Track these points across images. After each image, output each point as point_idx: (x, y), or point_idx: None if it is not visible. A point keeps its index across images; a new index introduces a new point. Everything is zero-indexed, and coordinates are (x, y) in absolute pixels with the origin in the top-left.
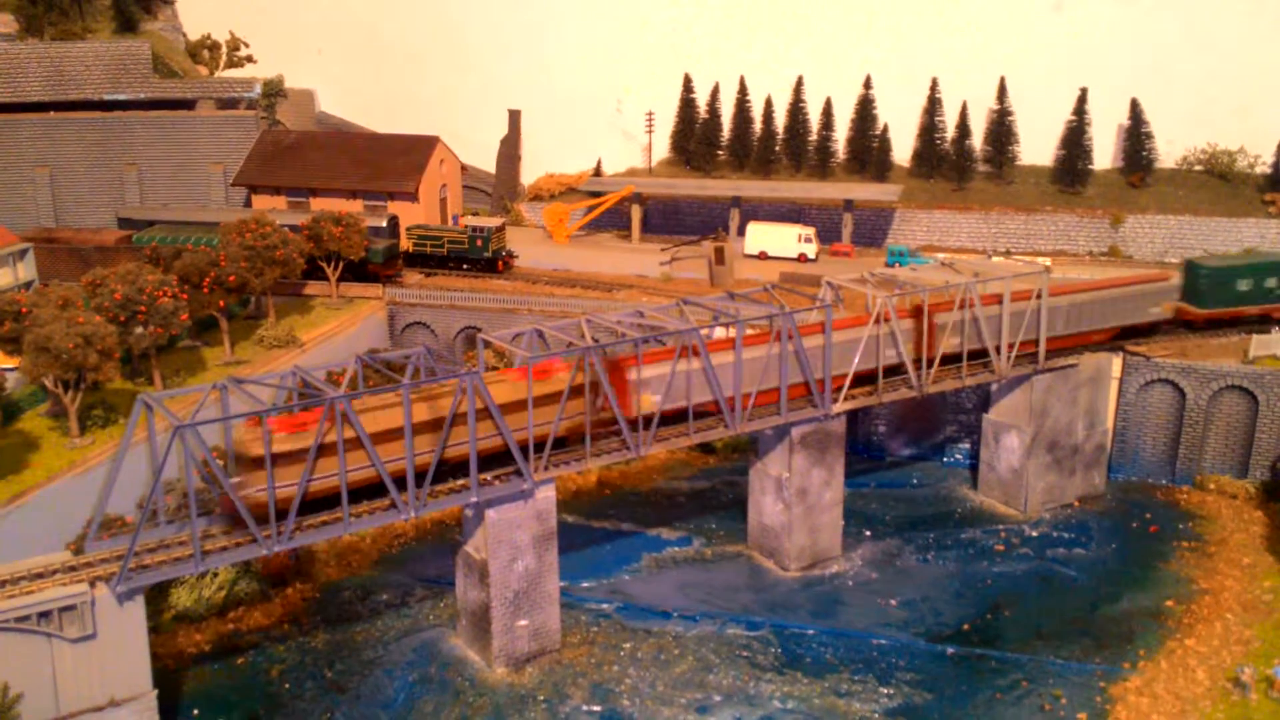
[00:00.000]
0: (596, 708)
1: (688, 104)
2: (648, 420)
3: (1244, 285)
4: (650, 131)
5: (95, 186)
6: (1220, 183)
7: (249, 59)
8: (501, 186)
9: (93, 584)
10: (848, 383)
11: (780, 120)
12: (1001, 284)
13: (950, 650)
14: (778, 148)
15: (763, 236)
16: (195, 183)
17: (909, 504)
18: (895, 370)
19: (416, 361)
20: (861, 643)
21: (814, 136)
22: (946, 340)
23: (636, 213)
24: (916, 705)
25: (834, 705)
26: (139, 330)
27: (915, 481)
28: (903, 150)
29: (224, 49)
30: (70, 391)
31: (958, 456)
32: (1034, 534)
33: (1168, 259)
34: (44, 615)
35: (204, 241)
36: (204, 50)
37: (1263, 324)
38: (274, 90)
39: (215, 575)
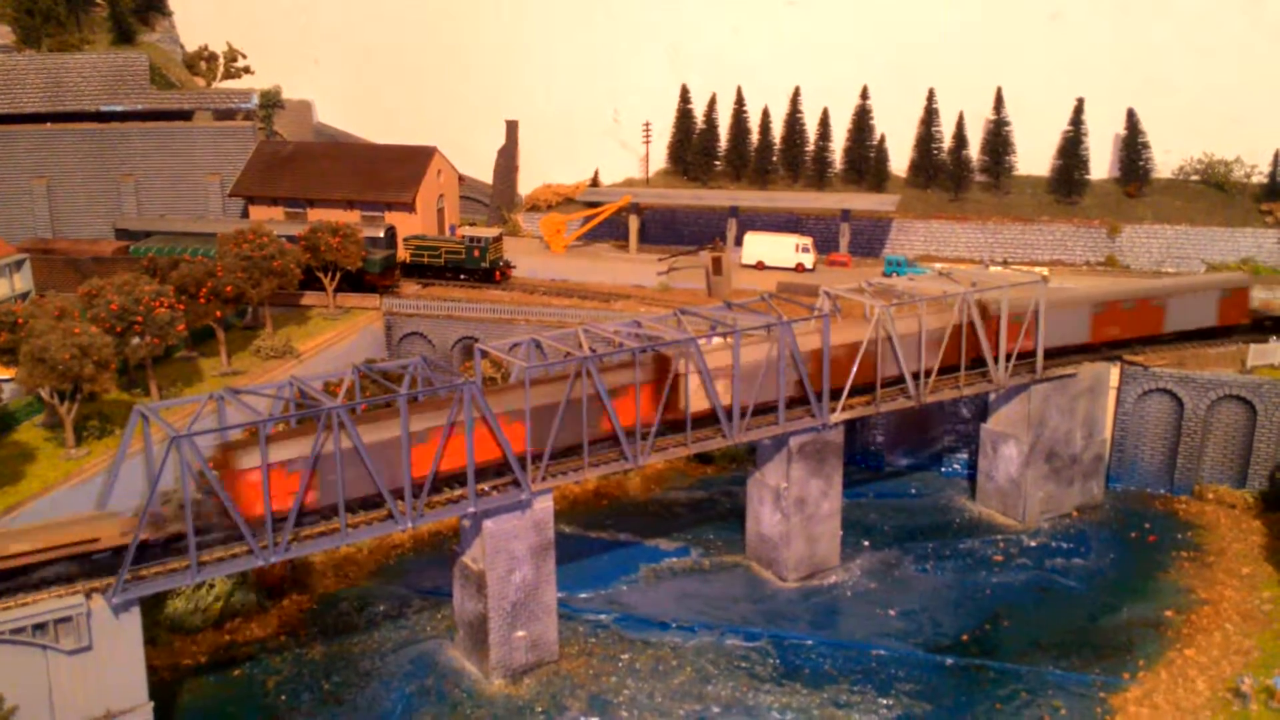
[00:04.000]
0: (595, 719)
1: (685, 114)
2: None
3: None
4: (647, 142)
5: (92, 197)
6: (1217, 192)
7: (246, 70)
8: (499, 197)
9: (88, 595)
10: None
11: (777, 130)
12: (999, 293)
13: (949, 661)
14: (775, 158)
15: (760, 246)
16: (192, 193)
17: (907, 514)
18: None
19: (413, 372)
20: (860, 653)
21: (811, 147)
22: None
23: (634, 223)
24: (915, 716)
25: (833, 716)
26: (135, 341)
27: (913, 491)
28: (900, 160)
29: (221, 60)
30: (66, 402)
31: (956, 466)
32: (1032, 544)
33: (1165, 269)
34: (39, 627)
35: (201, 252)
36: (201, 61)
37: None
38: (271, 101)
39: (212, 586)
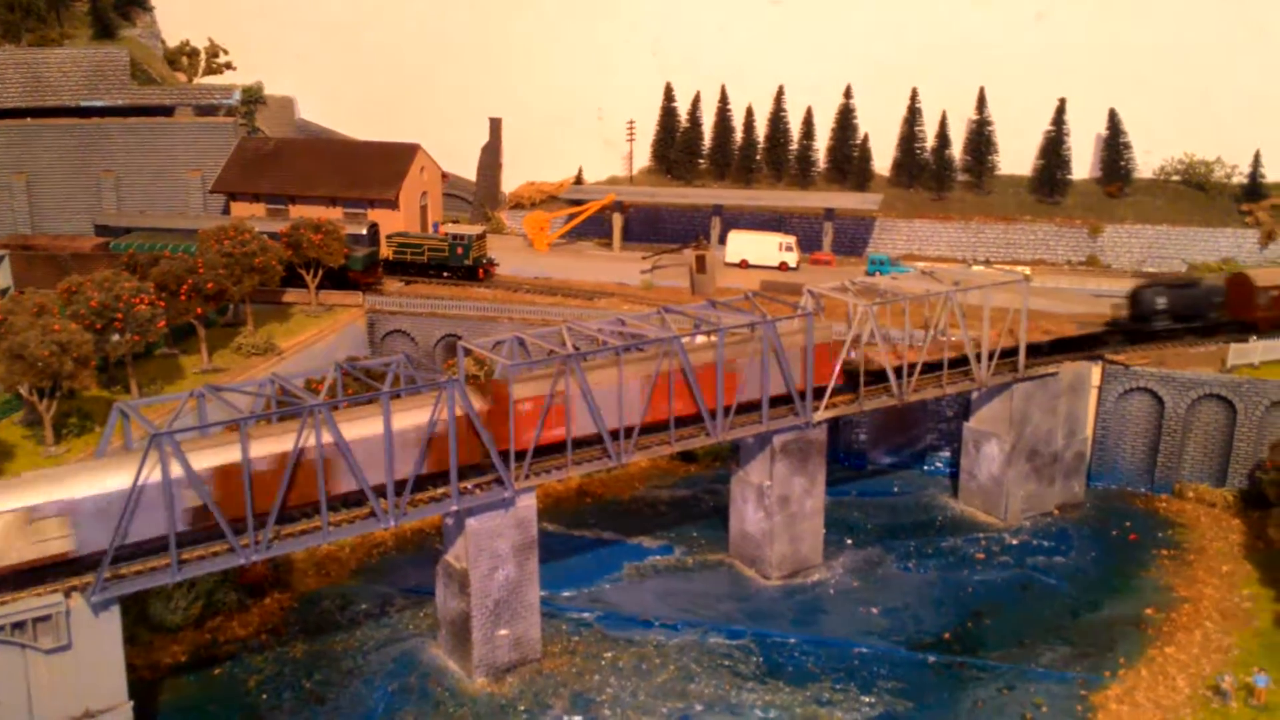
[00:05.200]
0: (578, 717)
1: (669, 113)
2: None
3: None
4: (631, 140)
5: (72, 193)
6: (1197, 193)
7: (228, 66)
8: (482, 194)
9: (68, 594)
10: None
11: (761, 129)
12: (981, 293)
13: (931, 658)
14: (758, 157)
15: (744, 245)
16: (173, 190)
17: (890, 512)
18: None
19: (396, 369)
20: (843, 651)
21: (795, 146)
22: None
23: (617, 221)
24: (898, 713)
25: (816, 714)
26: (115, 338)
27: (896, 490)
28: (883, 160)
29: (203, 56)
30: (45, 399)
31: (938, 464)
32: (1014, 542)
33: (1146, 268)
34: (18, 626)
35: (182, 249)
36: (183, 57)
37: None
38: (253, 97)
39: (192, 585)
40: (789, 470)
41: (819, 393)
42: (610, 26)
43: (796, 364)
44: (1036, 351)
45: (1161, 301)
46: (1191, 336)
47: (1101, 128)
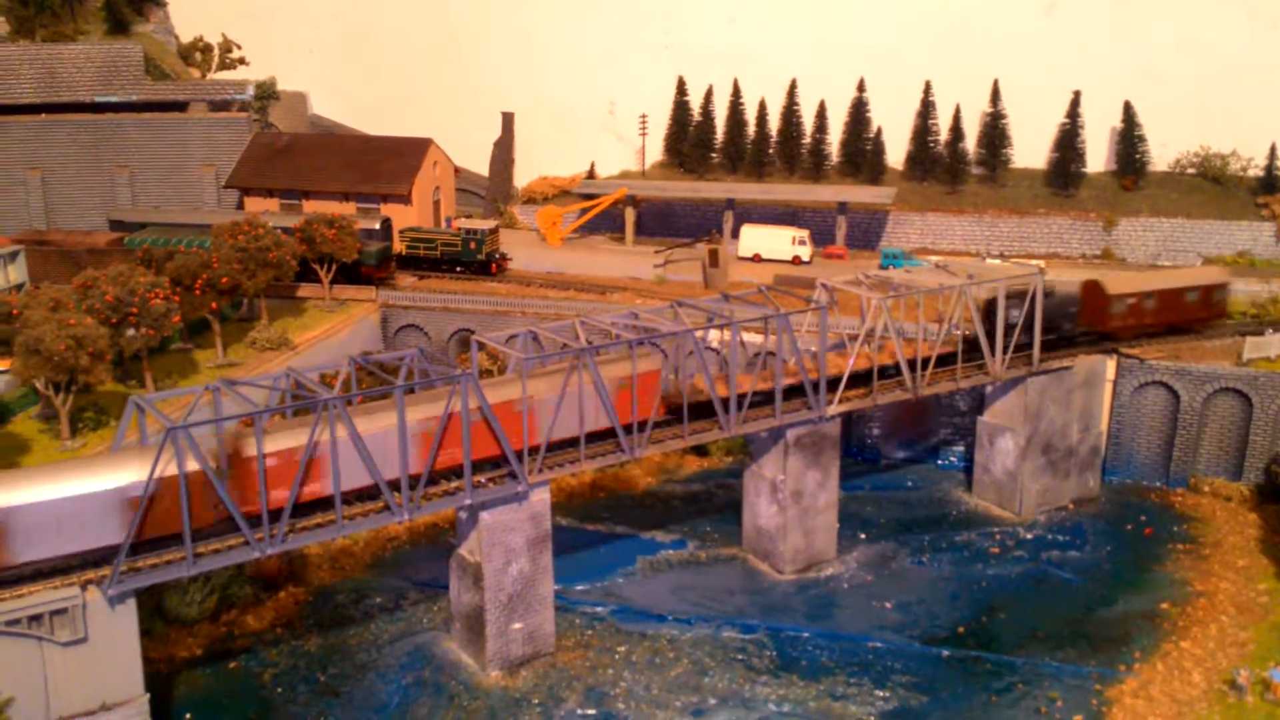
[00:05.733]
0: (591, 711)
1: (681, 106)
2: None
3: None
4: (644, 134)
5: (87, 188)
6: (1213, 186)
7: (241, 61)
8: (495, 189)
9: (84, 587)
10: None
11: (774, 123)
12: (996, 286)
13: (946, 653)
14: (771, 150)
15: (757, 239)
16: (187, 185)
17: (904, 507)
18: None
19: (410, 363)
20: (857, 645)
21: (807, 139)
22: None
23: (630, 215)
24: (912, 708)
25: (829, 708)
26: (130, 332)
27: (910, 484)
28: (896, 153)
29: (216, 51)
30: (61, 394)
31: (952, 459)
32: (1029, 536)
33: (1161, 262)
34: (35, 619)
35: (196, 243)
36: (196, 52)
37: None
38: (266, 92)
39: (208, 579)
40: (802, 464)
41: (644, 425)
42: (622, 20)
43: (616, 397)
44: (886, 374)
45: (1014, 314)
46: (1045, 351)
47: (1116, 120)
